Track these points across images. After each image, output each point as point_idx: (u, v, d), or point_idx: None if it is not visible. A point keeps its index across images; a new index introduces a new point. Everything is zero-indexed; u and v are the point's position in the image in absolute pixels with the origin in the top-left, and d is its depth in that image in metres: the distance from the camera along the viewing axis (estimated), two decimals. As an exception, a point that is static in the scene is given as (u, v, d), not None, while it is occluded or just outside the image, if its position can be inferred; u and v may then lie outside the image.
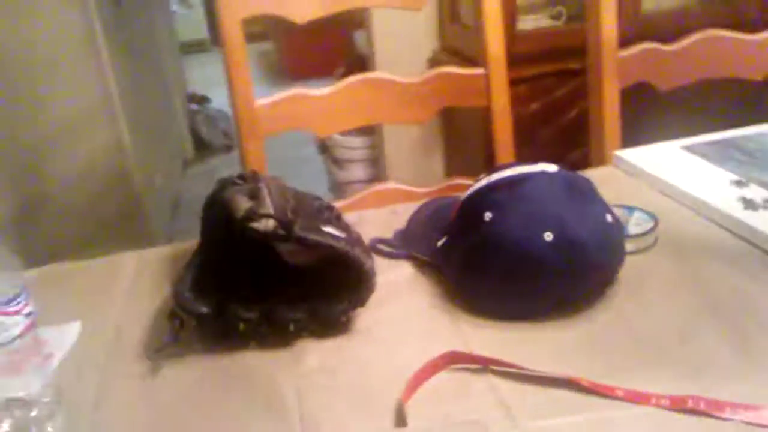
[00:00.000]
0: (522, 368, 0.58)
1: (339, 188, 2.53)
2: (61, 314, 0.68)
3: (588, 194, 0.69)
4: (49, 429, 0.57)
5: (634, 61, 1.12)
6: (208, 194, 0.76)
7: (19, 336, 0.53)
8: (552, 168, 0.70)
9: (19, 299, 0.53)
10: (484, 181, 0.73)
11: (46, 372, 0.58)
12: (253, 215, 0.65)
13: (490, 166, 0.77)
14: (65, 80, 1.87)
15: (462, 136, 1.99)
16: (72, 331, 0.70)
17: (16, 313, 0.52)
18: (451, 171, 2.09)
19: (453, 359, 0.61)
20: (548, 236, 0.64)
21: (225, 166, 3.15)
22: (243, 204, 0.66)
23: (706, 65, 1.17)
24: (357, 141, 2.46)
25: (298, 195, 0.74)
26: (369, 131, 2.37)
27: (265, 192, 0.70)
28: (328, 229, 0.69)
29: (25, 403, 0.56)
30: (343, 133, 2.53)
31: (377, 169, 2.33)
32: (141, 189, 2.11)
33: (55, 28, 1.80)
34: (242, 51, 1.02)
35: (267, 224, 0.65)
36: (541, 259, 0.64)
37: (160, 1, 3.36)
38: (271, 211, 0.66)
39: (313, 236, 0.65)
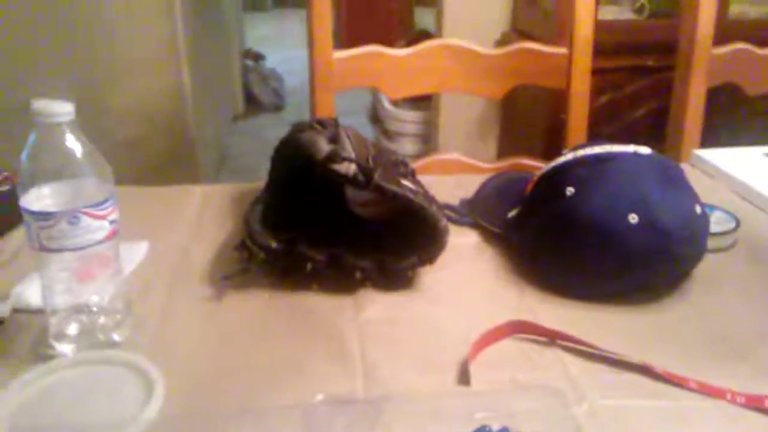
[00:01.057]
0: (593, 346, 0.57)
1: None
2: (128, 233, 0.69)
3: (679, 182, 0.66)
4: (115, 337, 0.58)
5: (725, 61, 1.07)
6: (283, 136, 0.75)
7: (102, 241, 0.53)
8: (644, 150, 0.67)
9: (107, 204, 0.53)
10: (568, 155, 0.71)
11: (118, 283, 0.58)
12: (334, 157, 0.64)
13: (551, 153, 0.74)
14: (137, 20, 1.88)
15: (522, 119, 1.95)
16: (140, 249, 0.71)
17: (103, 217, 0.52)
18: (504, 154, 2.05)
19: (520, 328, 0.60)
20: (633, 218, 0.62)
21: (273, 125, 3.16)
22: (324, 146, 0.66)
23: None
24: (410, 114, 2.44)
25: (377, 146, 0.73)
26: (424, 106, 2.35)
27: (345, 138, 0.69)
28: (405, 182, 0.68)
29: (94, 310, 0.57)
30: (397, 105, 2.51)
31: (428, 146, 2.31)
32: (194, 136, 2.13)
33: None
34: (328, 2, 1.01)
35: (348, 168, 0.64)
36: (622, 241, 0.62)
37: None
38: (353, 155, 0.65)
39: (392, 187, 0.64)
